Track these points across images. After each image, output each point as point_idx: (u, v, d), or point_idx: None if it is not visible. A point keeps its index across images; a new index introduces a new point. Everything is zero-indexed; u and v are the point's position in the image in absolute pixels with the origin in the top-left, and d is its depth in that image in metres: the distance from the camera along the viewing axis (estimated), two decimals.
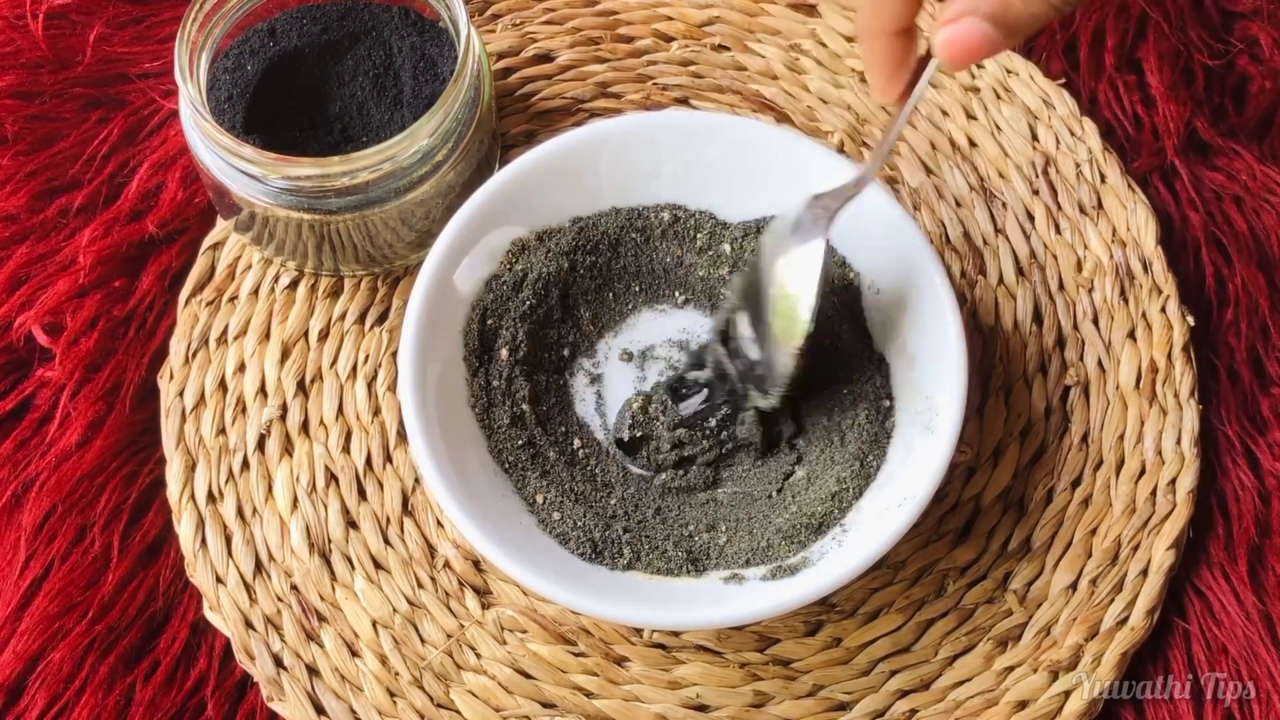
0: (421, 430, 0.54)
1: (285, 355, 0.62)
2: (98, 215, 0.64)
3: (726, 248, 0.61)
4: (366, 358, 0.62)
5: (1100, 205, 0.64)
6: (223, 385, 0.61)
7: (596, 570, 0.55)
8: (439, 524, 0.59)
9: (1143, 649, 0.58)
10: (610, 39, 0.68)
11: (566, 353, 0.60)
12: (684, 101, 0.67)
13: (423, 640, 0.57)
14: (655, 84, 0.68)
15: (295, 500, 0.59)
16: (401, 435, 0.60)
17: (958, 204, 0.65)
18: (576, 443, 0.59)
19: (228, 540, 0.59)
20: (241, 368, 0.62)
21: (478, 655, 0.57)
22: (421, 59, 0.60)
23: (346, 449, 0.60)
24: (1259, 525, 0.60)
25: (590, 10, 0.69)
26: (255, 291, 0.63)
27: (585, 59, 0.68)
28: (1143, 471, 0.60)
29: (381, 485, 0.60)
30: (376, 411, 0.61)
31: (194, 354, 0.62)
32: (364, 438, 0.60)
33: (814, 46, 0.68)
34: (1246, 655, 0.57)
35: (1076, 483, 0.60)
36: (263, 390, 0.61)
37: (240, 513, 0.59)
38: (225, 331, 0.62)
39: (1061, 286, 0.63)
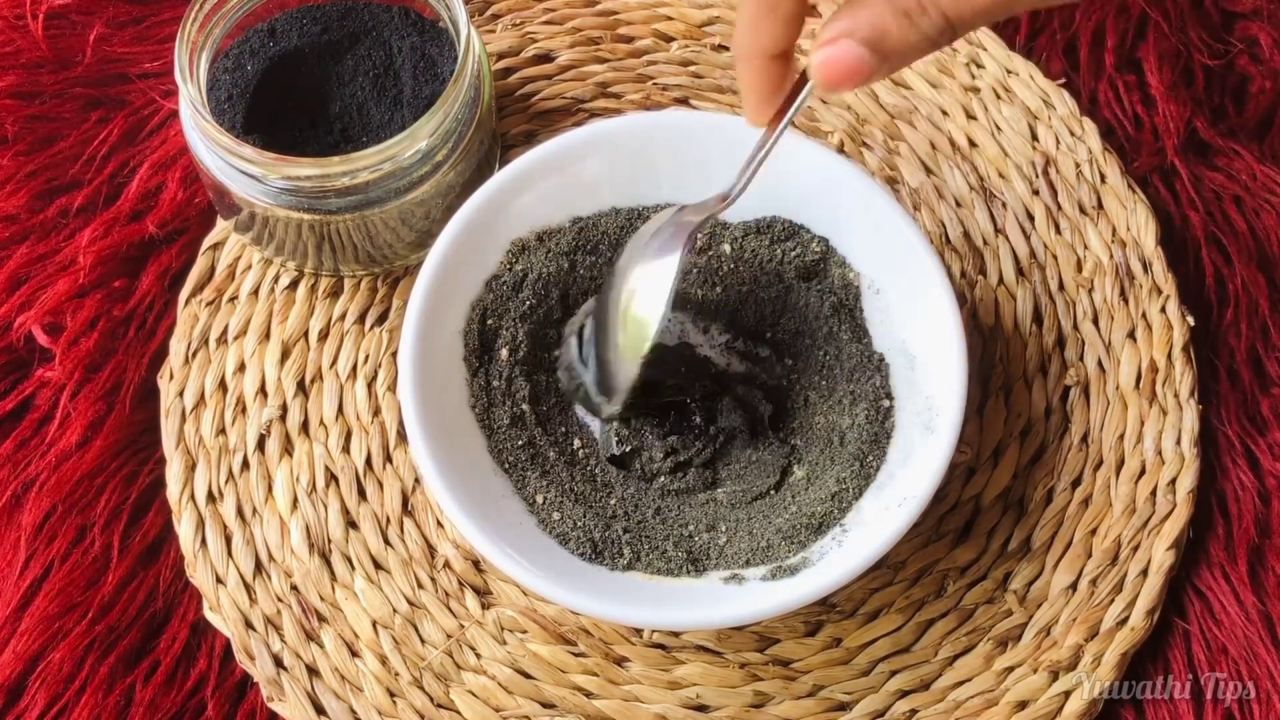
0: (421, 430, 0.54)
1: (285, 355, 0.62)
2: (98, 215, 0.64)
3: (726, 248, 0.61)
4: (366, 358, 0.62)
5: (1100, 205, 0.64)
6: (223, 385, 0.61)
7: (596, 570, 0.55)
8: (439, 524, 0.59)
9: (1143, 649, 0.58)
10: (610, 39, 0.68)
11: None
12: (684, 101, 0.67)
13: (423, 640, 0.57)
14: (655, 84, 0.68)
15: (295, 500, 0.59)
16: (401, 435, 0.60)
17: (958, 204, 0.65)
18: (576, 443, 0.59)
19: (228, 540, 0.59)
20: (241, 368, 0.62)
21: (478, 655, 0.57)
22: (421, 59, 0.60)
23: (346, 449, 0.60)
24: (1259, 525, 0.60)
25: (590, 10, 0.69)
26: (255, 291, 0.63)
27: (585, 59, 0.68)
28: (1143, 471, 0.60)
29: (381, 485, 0.60)
30: (376, 411, 0.61)
31: (194, 354, 0.62)
32: (364, 438, 0.60)
33: None
34: (1246, 655, 0.57)
35: (1076, 483, 0.60)
36: (263, 390, 0.61)
37: (240, 513, 0.59)
38: (225, 331, 0.62)
39: (1061, 286, 0.63)
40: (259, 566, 0.58)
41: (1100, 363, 0.62)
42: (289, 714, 0.56)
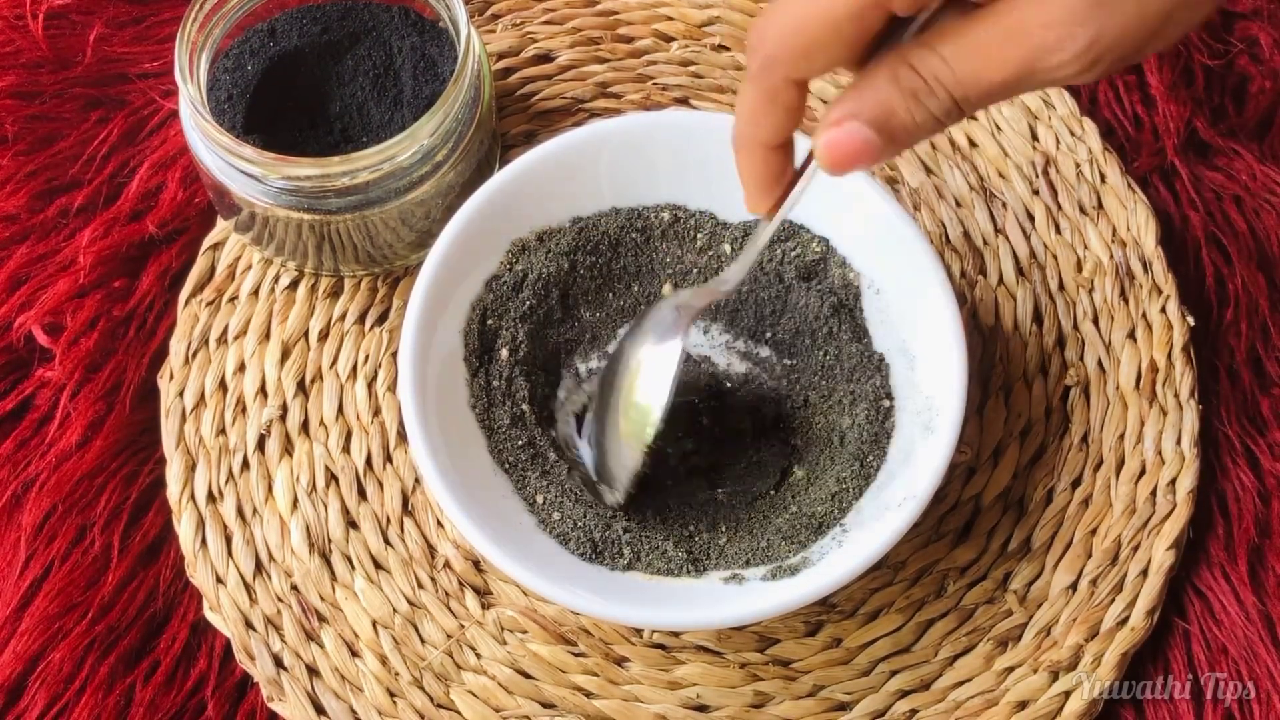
0: (421, 430, 0.54)
1: (285, 355, 0.62)
2: (98, 215, 0.64)
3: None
4: (366, 358, 0.62)
5: (1100, 205, 0.64)
6: (223, 385, 0.61)
7: (596, 570, 0.55)
8: (439, 524, 0.59)
9: (1143, 649, 0.58)
10: (610, 39, 0.68)
11: (566, 353, 0.60)
12: (684, 101, 0.67)
13: (423, 640, 0.57)
14: (655, 84, 0.68)
15: (295, 500, 0.59)
16: (401, 435, 0.60)
17: (958, 204, 0.65)
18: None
19: (228, 540, 0.59)
20: (241, 368, 0.62)
21: (478, 655, 0.57)
22: (421, 59, 0.60)
23: (346, 449, 0.60)
24: (1259, 525, 0.60)
25: (590, 10, 0.69)
26: (255, 291, 0.63)
27: (585, 59, 0.68)
28: (1143, 471, 0.60)
29: (381, 485, 0.60)
30: (376, 411, 0.61)
31: (194, 354, 0.62)
32: (364, 438, 0.60)
33: None
34: (1246, 655, 0.57)
35: (1076, 483, 0.60)
36: (263, 390, 0.61)
37: (240, 513, 0.59)
38: (225, 331, 0.62)
39: (1061, 286, 0.63)
40: (259, 566, 0.58)
41: (1100, 363, 0.62)
42: (289, 714, 0.56)
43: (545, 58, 0.68)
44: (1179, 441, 0.60)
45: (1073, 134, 0.66)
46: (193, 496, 0.59)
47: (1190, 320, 0.62)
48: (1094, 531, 0.59)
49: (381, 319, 0.63)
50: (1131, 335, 0.62)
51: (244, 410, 0.61)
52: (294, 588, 0.58)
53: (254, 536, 0.59)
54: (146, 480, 0.60)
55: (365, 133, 0.59)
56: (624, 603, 0.53)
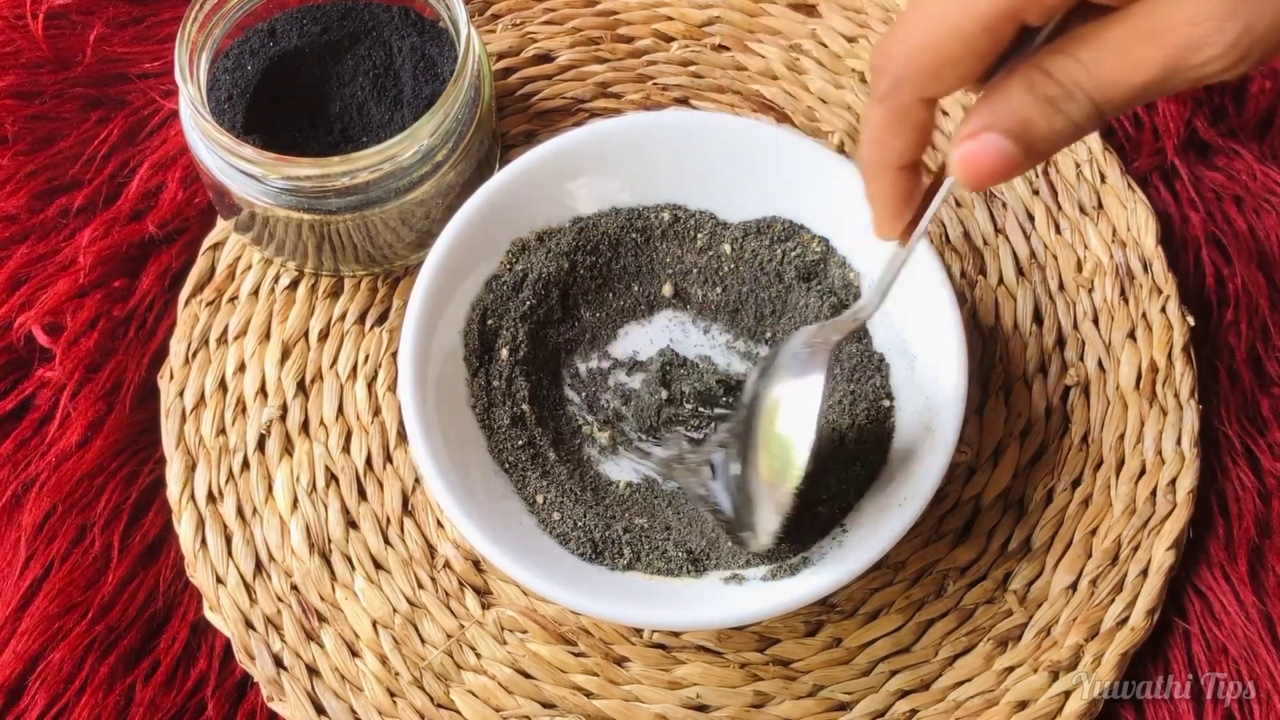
0: (421, 430, 0.54)
1: (285, 355, 0.62)
2: (98, 215, 0.64)
3: (726, 248, 0.61)
4: (366, 358, 0.62)
5: (1100, 205, 0.64)
6: (223, 385, 0.61)
7: (596, 570, 0.55)
8: (439, 524, 0.59)
9: (1143, 649, 0.58)
10: (610, 39, 0.68)
11: (566, 353, 0.60)
12: (684, 101, 0.67)
13: (423, 640, 0.57)
14: (655, 84, 0.68)
15: (295, 500, 0.59)
16: (401, 435, 0.60)
17: (958, 204, 0.65)
18: (576, 443, 0.59)
19: (228, 540, 0.59)
20: (241, 368, 0.62)
21: (478, 655, 0.57)
22: (421, 59, 0.60)
23: (346, 449, 0.60)
24: (1259, 525, 0.60)
25: (590, 10, 0.69)
26: (255, 291, 0.63)
27: (585, 59, 0.68)
28: (1143, 471, 0.60)
29: (381, 485, 0.60)
30: (376, 411, 0.61)
31: (194, 354, 0.62)
32: (364, 438, 0.60)
33: (814, 46, 0.68)
34: (1246, 655, 0.57)
35: (1076, 483, 0.60)
36: (263, 390, 0.61)
37: (240, 513, 0.59)
38: (225, 331, 0.62)
39: (1061, 286, 0.63)
40: (259, 566, 0.58)
41: (1100, 363, 0.62)
42: (289, 714, 0.56)
43: (545, 58, 0.68)
44: (1179, 441, 0.60)
45: None
46: (193, 496, 0.59)
47: (1190, 320, 0.62)
48: (1094, 531, 0.59)
49: (381, 319, 0.63)
50: (1131, 335, 0.62)
51: (244, 410, 0.61)
52: (294, 588, 0.58)
53: (254, 536, 0.59)
54: (146, 480, 0.60)
55: (365, 133, 0.59)
56: (624, 603, 0.53)
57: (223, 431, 0.60)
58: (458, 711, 0.57)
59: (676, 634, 0.58)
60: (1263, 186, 0.65)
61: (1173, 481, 0.60)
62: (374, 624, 0.57)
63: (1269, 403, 0.62)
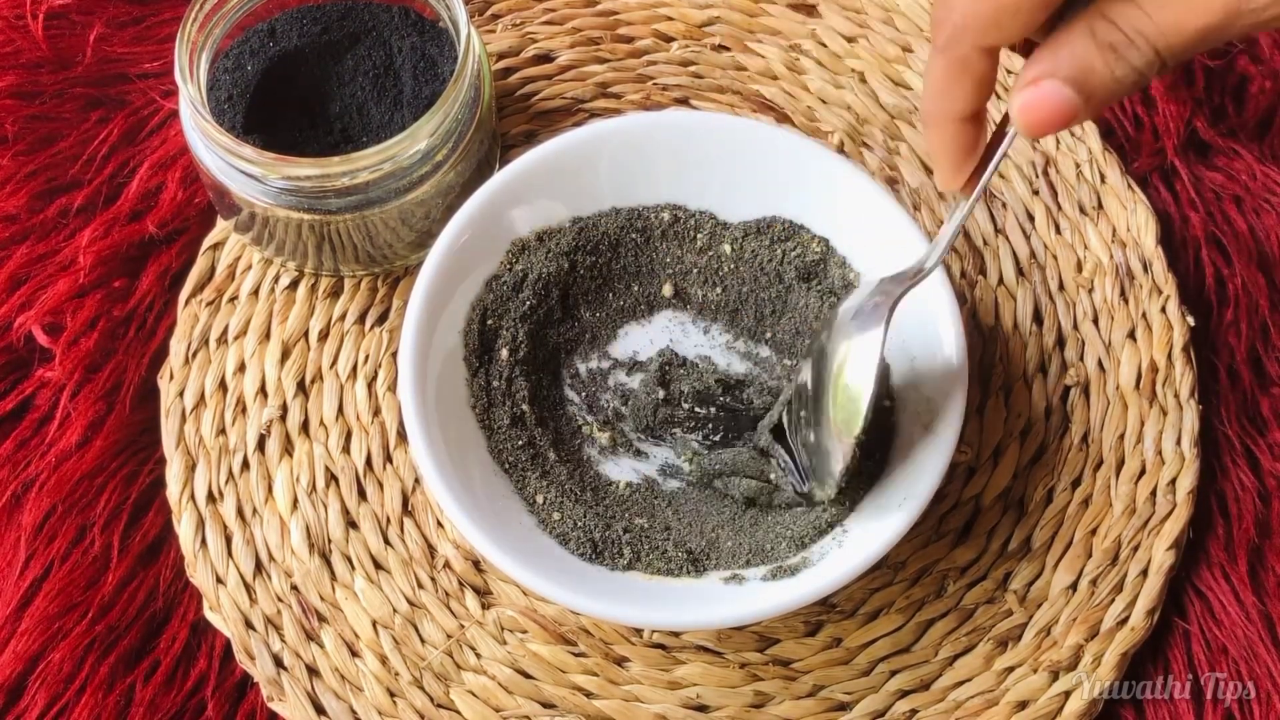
0: (421, 430, 0.54)
1: (285, 355, 0.62)
2: (98, 215, 0.64)
3: (726, 248, 0.61)
4: (366, 358, 0.62)
5: (1100, 205, 0.64)
6: (223, 385, 0.61)
7: (596, 570, 0.55)
8: (439, 524, 0.59)
9: (1143, 649, 0.58)
10: (610, 39, 0.68)
11: (566, 353, 0.60)
12: (684, 101, 0.67)
13: (423, 640, 0.57)
14: (655, 84, 0.68)
15: (295, 500, 0.59)
16: (401, 435, 0.60)
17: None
18: (576, 443, 0.59)
19: (228, 540, 0.59)
20: (241, 368, 0.62)
21: (478, 655, 0.57)
22: (421, 59, 0.60)
23: (346, 449, 0.60)
24: (1259, 525, 0.60)
25: (590, 10, 0.69)
26: (255, 291, 0.63)
27: (585, 59, 0.68)
28: (1143, 471, 0.60)
29: (381, 485, 0.60)
30: (376, 411, 0.61)
31: (194, 354, 0.62)
32: (364, 438, 0.60)
33: (814, 46, 0.68)
34: (1246, 655, 0.57)
35: (1076, 483, 0.60)
36: (263, 390, 0.61)
37: (240, 513, 0.59)
38: (225, 331, 0.62)
39: (1061, 286, 0.63)
40: (259, 566, 0.58)
41: (1100, 363, 0.62)
42: (289, 714, 0.56)
43: (545, 58, 0.68)
44: (1179, 441, 0.60)
45: (1073, 134, 0.66)
46: (193, 496, 0.59)
47: (1190, 320, 0.62)
48: (1094, 531, 0.59)
49: (381, 319, 0.63)
50: (1131, 335, 0.62)
51: (244, 410, 0.61)
52: (294, 588, 0.58)
53: (254, 536, 0.59)
54: (146, 480, 0.60)
55: (365, 133, 0.59)
56: (624, 603, 0.53)
57: (223, 431, 0.60)
58: (458, 711, 0.57)
59: (676, 634, 0.58)
60: (1263, 186, 0.65)
61: (1173, 481, 0.60)
62: (374, 624, 0.57)
63: (1269, 403, 0.62)
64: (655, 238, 0.61)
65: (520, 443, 0.57)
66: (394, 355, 0.61)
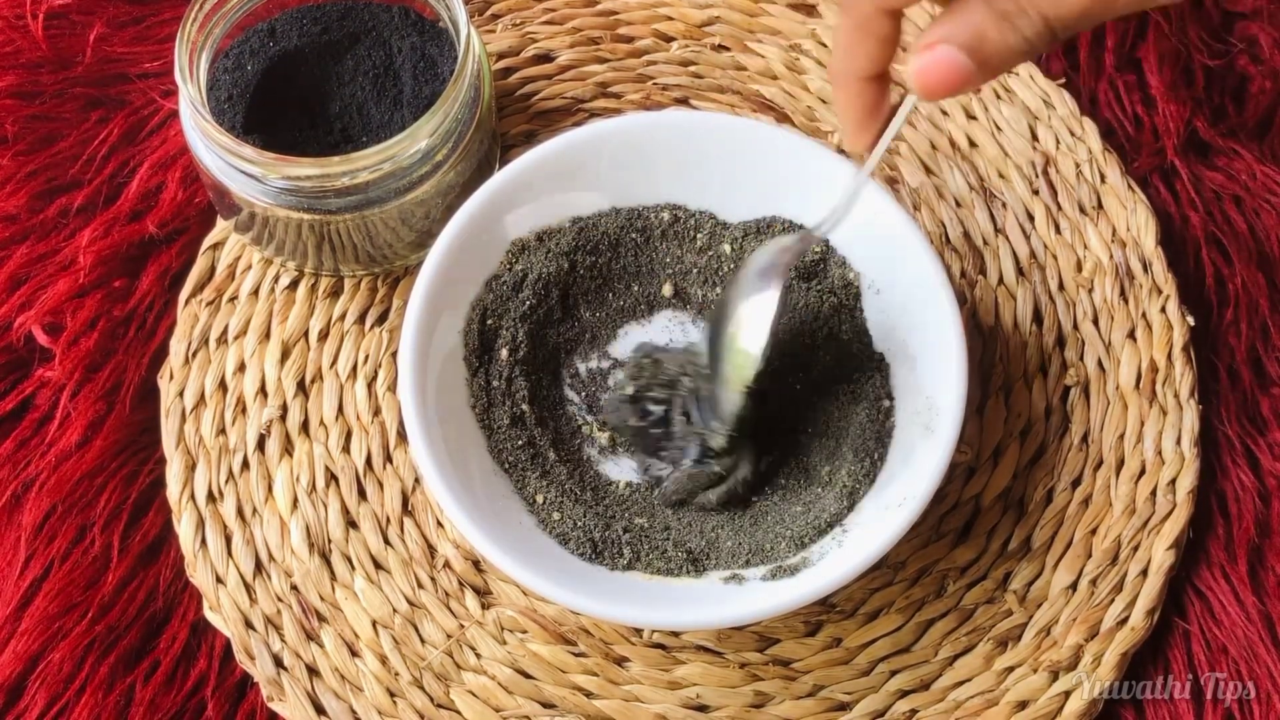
0: (421, 430, 0.54)
1: (285, 355, 0.62)
2: (98, 215, 0.64)
3: (726, 248, 0.61)
4: (366, 358, 0.62)
5: (1100, 205, 0.64)
6: (223, 385, 0.61)
7: (596, 570, 0.55)
8: (439, 524, 0.59)
9: (1143, 649, 0.58)
10: (610, 39, 0.68)
11: (566, 353, 0.60)
12: (684, 101, 0.67)
13: (423, 640, 0.57)
14: (655, 84, 0.68)
15: (295, 500, 0.59)
16: (401, 435, 0.60)
17: (958, 204, 0.65)
18: (576, 443, 0.59)
19: (228, 540, 0.59)
20: (241, 368, 0.62)
21: (478, 655, 0.57)
22: (421, 59, 0.60)
23: (346, 449, 0.60)
24: (1259, 525, 0.60)
25: (590, 10, 0.69)
26: (255, 291, 0.63)
27: (585, 59, 0.68)
28: (1143, 471, 0.60)
29: (381, 485, 0.60)
30: (376, 411, 0.61)
31: (194, 354, 0.62)
32: (364, 438, 0.60)
33: (814, 46, 0.68)
34: (1246, 655, 0.57)
35: (1076, 483, 0.60)
36: (263, 390, 0.61)
37: (240, 513, 0.59)
38: (225, 331, 0.62)
39: (1061, 286, 0.63)
40: (259, 566, 0.58)
41: (1100, 363, 0.62)
42: (289, 714, 0.56)
43: (545, 58, 0.68)
44: (1179, 441, 0.60)
45: (1073, 134, 0.66)
46: (193, 496, 0.59)
47: (1190, 320, 0.62)
48: (1094, 531, 0.59)
49: (381, 319, 0.63)
50: (1131, 335, 0.62)
51: (244, 410, 0.61)
52: (294, 588, 0.58)
53: (254, 536, 0.59)
54: (146, 480, 0.60)
55: (365, 133, 0.59)
56: (624, 603, 0.53)
57: (223, 431, 0.60)
58: (458, 711, 0.57)
59: (676, 634, 0.58)
60: (1263, 186, 0.65)
61: (1173, 481, 0.60)
62: (374, 624, 0.57)
63: (1269, 403, 0.62)
64: (655, 238, 0.61)
65: (520, 443, 0.57)
66: (394, 355, 0.61)
